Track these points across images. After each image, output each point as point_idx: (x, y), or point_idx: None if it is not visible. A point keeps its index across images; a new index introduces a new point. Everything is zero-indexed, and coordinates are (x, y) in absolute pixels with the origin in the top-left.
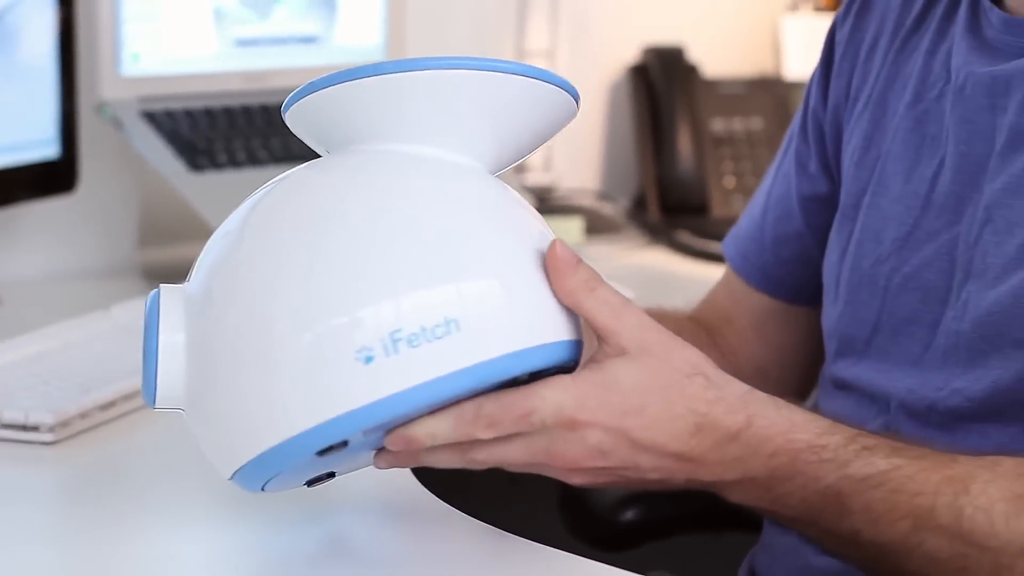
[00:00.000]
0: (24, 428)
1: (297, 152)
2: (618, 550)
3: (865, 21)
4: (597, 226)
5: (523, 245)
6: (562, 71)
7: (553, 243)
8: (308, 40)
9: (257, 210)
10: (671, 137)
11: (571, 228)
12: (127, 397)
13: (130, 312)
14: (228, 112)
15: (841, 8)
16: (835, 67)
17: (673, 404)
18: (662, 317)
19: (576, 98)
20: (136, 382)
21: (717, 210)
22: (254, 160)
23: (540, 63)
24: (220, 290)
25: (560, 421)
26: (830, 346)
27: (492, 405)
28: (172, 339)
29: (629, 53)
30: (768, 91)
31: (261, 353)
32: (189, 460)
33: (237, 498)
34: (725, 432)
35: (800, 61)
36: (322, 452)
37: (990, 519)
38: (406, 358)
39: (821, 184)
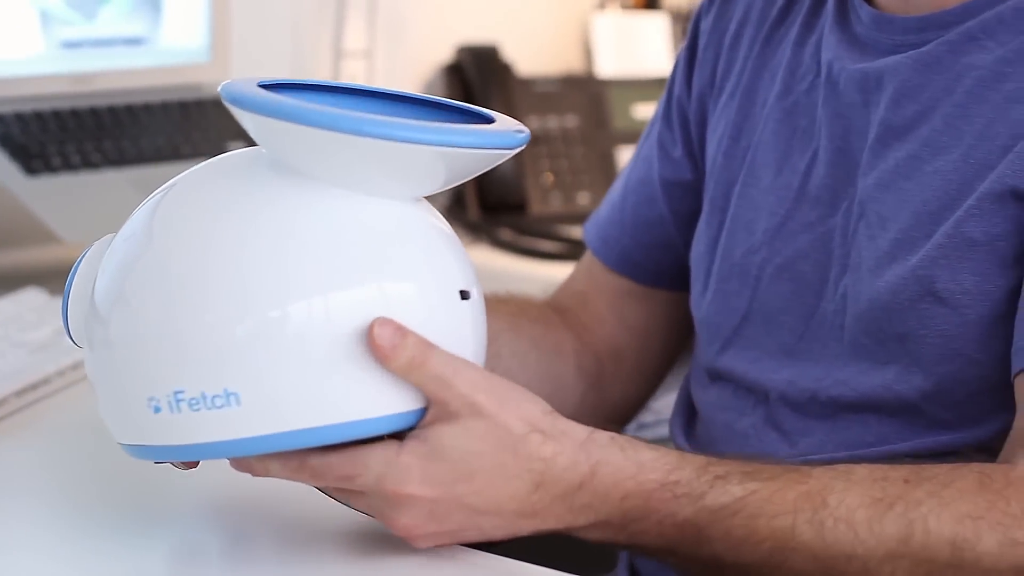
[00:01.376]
0: None
1: (131, 156)
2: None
3: (729, 10)
4: None
5: (346, 321)
6: (379, 71)
7: (370, 328)
8: (134, 42)
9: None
10: None
11: None
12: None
13: None
14: (57, 115)
15: None
16: (699, 55)
17: (506, 467)
18: (508, 300)
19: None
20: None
21: (536, 207)
22: (88, 163)
23: (358, 64)
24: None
25: (382, 492)
26: (701, 335)
27: (316, 460)
28: (82, 288)
29: (441, 52)
30: (581, 89)
31: (109, 362)
32: (96, 469)
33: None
34: (567, 485)
35: (611, 59)
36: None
37: (852, 528)
38: (186, 418)
39: (685, 170)
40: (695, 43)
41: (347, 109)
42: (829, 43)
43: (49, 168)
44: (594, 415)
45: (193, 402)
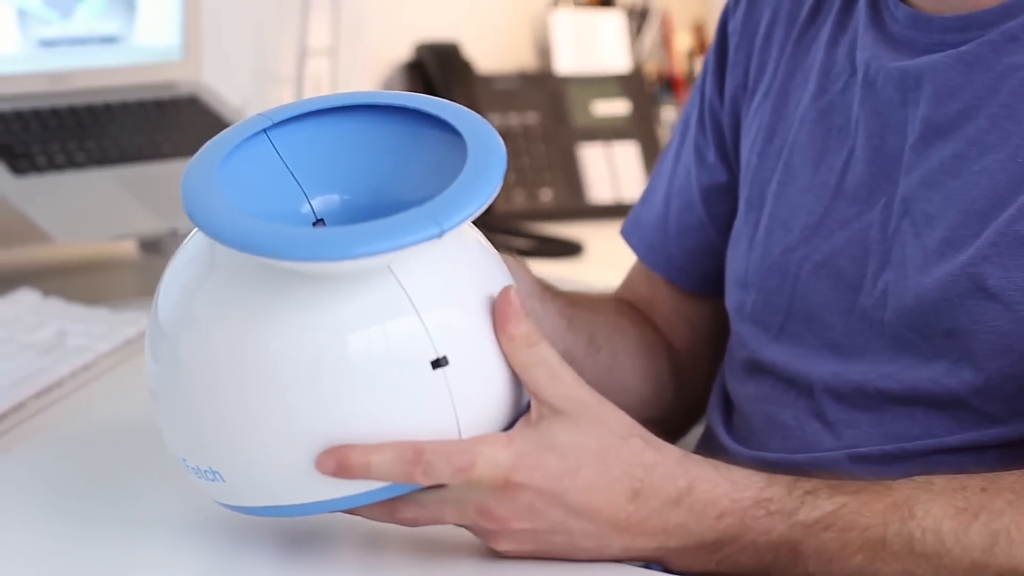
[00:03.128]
0: None
1: (115, 155)
2: None
3: (756, 12)
4: None
5: (328, 415)
6: (343, 69)
7: (507, 290)
8: (109, 40)
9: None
10: None
11: None
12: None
13: None
14: (38, 114)
15: None
16: (730, 58)
17: (609, 467)
18: (605, 299)
19: None
20: (32, 387)
21: (500, 205)
22: (73, 162)
23: (322, 62)
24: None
25: (495, 479)
26: (741, 331)
27: (433, 453)
28: None
29: (399, 50)
30: (540, 86)
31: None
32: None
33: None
34: (666, 498)
35: (569, 56)
36: None
37: (940, 538)
38: (198, 480)
39: (720, 174)
40: (724, 45)
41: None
42: (864, 42)
43: (35, 168)
44: (682, 416)
45: (195, 471)
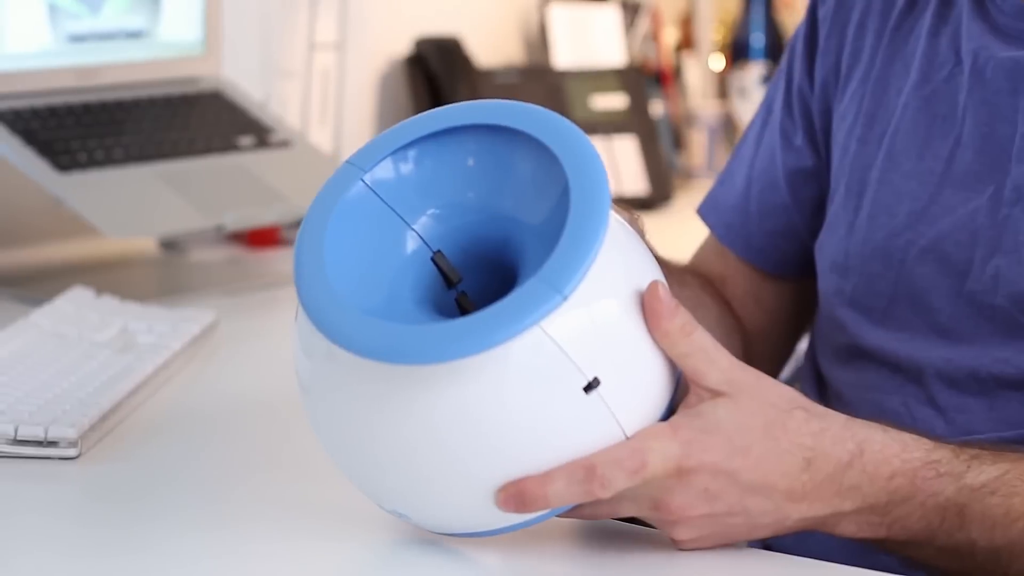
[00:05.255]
0: (41, 444)
1: (151, 151)
2: None
3: (848, 0)
4: None
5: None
6: (350, 64)
7: (655, 285)
8: (135, 35)
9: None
10: None
11: None
12: (127, 402)
13: (50, 317)
14: (71, 110)
15: None
16: (821, 44)
17: (778, 441)
18: (683, 271)
19: None
20: (126, 386)
21: None
22: (111, 159)
23: (329, 56)
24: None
25: (668, 470)
26: (841, 317)
27: (604, 465)
28: None
29: (398, 44)
30: (540, 80)
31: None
32: (215, 462)
33: (268, 504)
34: (837, 462)
35: (567, 50)
36: None
37: None
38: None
39: (807, 158)
40: (814, 32)
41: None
42: (971, 33)
43: (78, 164)
44: None
45: (393, 511)
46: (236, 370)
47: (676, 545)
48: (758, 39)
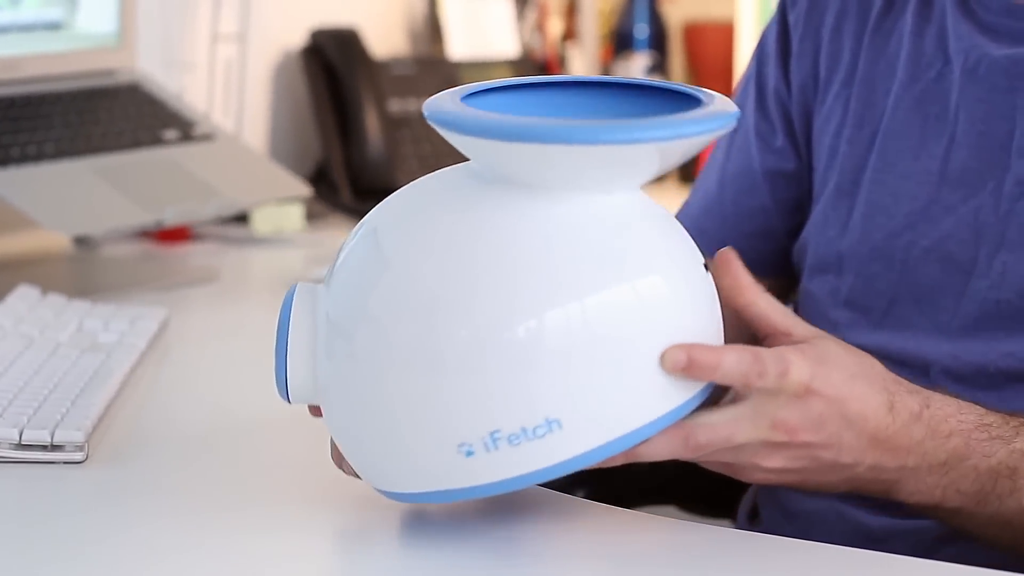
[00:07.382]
0: (47, 448)
1: (81, 146)
2: None
3: (822, 2)
4: (313, 212)
5: (634, 328)
6: (252, 55)
7: (728, 250)
8: (53, 26)
9: (413, 247)
10: (358, 119)
11: (292, 214)
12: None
13: (9, 317)
14: None
15: None
16: (795, 48)
17: (872, 380)
18: None
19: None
20: (111, 387)
21: None
22: (44, 154)
23: (231, 48)
24: (367, 349)
25: (799, 385)
26: (835, 317)
27: (765, 355)
28: (301, 338)
29: (294, 36)
30: (435, 71)
31: (391, 420)
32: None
33: (275, 505)
34: (910, 412)
35: (461, 41)
36: None
37: None
38: (504, 455)
39: (788, 159)
40: (786, 35)
41: (551, 114)
42: (959, 32)
43: (11, 159)
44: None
45: (513, 438)
46: (198, 367)
47: (756, 479)
48: (642, 30)
